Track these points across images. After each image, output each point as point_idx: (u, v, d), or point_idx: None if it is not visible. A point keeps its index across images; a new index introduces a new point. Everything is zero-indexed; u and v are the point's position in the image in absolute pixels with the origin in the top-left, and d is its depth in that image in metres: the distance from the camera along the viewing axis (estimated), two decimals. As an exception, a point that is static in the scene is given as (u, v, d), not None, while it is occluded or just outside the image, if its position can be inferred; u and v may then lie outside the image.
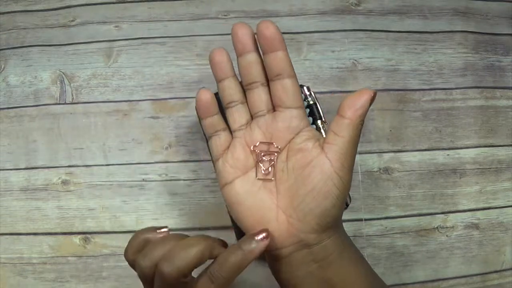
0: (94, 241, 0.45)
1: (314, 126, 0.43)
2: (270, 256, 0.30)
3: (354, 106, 0.29)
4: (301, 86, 0.45)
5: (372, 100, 0.29)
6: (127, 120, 0.47)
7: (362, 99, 0.29)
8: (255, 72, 0.30)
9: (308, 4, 0.51)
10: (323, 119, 0.44)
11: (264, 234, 0.27)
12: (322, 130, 0.43)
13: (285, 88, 0.30)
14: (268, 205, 0.30)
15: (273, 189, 0.30)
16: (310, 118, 0.43)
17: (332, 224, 0.29)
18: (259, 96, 0.31)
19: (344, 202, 0.29)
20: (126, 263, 0.44)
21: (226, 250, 0.27)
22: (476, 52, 0.51)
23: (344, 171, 0.28)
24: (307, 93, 0.44)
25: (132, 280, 0.44)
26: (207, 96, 0.30)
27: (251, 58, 0.30)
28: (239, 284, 0.44)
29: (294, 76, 0.30)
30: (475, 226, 0.47)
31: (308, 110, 0.43)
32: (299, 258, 0.29)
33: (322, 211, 0.28)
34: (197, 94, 0.31)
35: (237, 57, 0.30)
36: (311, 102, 0.44)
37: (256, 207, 0.30)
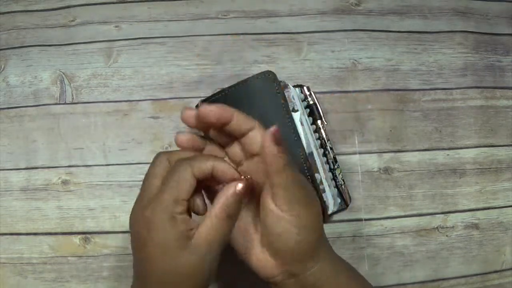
0: (94, 241, 0.45)
1: (314, 126, 0.43)
2: (268, 284, 0.32)
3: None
4: (301, 86, 0.45)
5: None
6: (127, 120, 0.47)
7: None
8: (224, 137, 0.31)
9: (308, 4, 0.51)
10: (323, 119, 0.44)
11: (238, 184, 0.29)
12: (322, 130, 0.43)
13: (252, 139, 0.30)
14: (253, 238, 0.32)
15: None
16: (310, 118, 0.43)
17: (311, 255, 0.30)
18: (235, 149, 0.32)
19: (315, 237, 0.30)
20: (126, 263, 0.45)
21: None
22: (476, 52, 0.51)
23: (293, 210, 0.29)
24: (307, 93, 0.44)
25: (132, 280, 0.44)
26: (182, 139, 0.31)
27: (213, 133, 0.31)
28: (239, 284, 0.44)
29: (254, 126, 0.30)
30: (475, 226, 0.47)
31: (308, 110, 0.43)
32: (289, 286, 0.31)
33: (289, 248, 0.30)
34: (175, 138, 0.31)
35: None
36: (311, 102, 0.44)
37: (241, 240, 0.32)
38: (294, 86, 0.44)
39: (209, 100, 0.42)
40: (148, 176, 0.31)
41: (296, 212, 0.29)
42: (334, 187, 0.43)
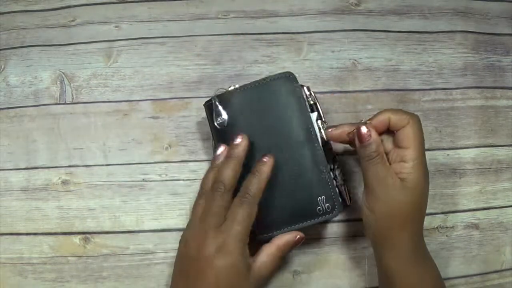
0: (94, 241, 0.45)
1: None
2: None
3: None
4: (301, 86, 0.45)
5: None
6: (127, 120, 0.47)
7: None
8: None
9: (308, 4, 0.51)
10: (323, 119, 0.44)
11: (266, 157, 0.37)
12: (322, 130, 0.43)
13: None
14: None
15: None
16: None
17: (383, 242, 0.38)
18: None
19: (384, 227, 0.37)
20: (126, 263, 0.45)
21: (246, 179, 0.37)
22: (476, 52, 0.51)
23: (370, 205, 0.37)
24: (307, 93, 0.44)
25: (132, 280, 0.44)
26: (333, 134, 0.40)
27: None
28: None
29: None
30: (475, 226, 0.47)
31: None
32: (378, 270, 0.40)
33: (370, 231, 0.39)
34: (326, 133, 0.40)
35: None
36: (312, 102, 0.44)
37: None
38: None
39: (224, 95, 0.42)
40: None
41: (371, 206, 0.37)
42: (335, 187, 0.43)
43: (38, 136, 0.46)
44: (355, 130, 0.37)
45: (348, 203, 0.43)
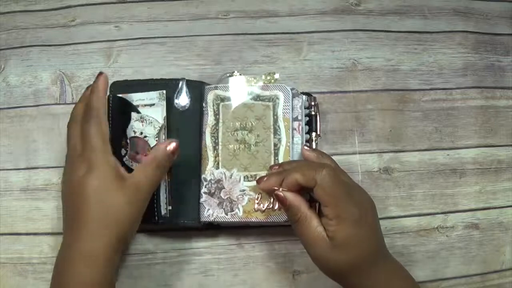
0: (94, 241, 0.45)
1: (308, 136, 0.43)
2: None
3: None
4: (309, 95, 0.44)
5: None
6: (127, 120, 0.47)
7: None
8: None
9: (308, 4, 0.51)
10: (318, 133, 0.44)
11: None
12: (313, 143, 0.43)
13: None
14: None
15: None
16: (307, 127, 0.43)
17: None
18: None
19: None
20: (126, 263, 0.44)
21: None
22: (476, 52, 0.51)
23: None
24: (312, 103, 0.44)
25: (132, 280, 0.44)
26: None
27: None
28: (239, 284, 0.44)
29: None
30: (475, 226, 0.47)
31: (307, 118, 0.43)
32: None
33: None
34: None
35: None
36: (313, 113, 0.44)
37: None
38: (303, 93, 0.43)
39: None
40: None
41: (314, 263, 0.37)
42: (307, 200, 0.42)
43: (38, 136, 0.46)
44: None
45: None
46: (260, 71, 0.48)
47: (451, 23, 0.51)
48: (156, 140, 0.41)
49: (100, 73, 0.38)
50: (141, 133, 0.42)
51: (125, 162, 0.41)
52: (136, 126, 0.42)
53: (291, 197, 0.35)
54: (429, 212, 0.47)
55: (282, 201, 0.35)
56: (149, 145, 0.41)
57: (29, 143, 0.46)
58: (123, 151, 0.41)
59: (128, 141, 0.41)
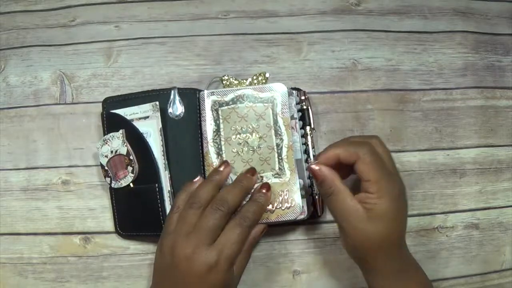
0: (94, 241, 0.45)
1: (303, 131, 0.43)
2: None
3: None
4: (298, 90, 0.45)
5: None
6: (127, 120, 0.47)
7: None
8: None
9: (308, 4, 0.51)
10: (312, 126, 0.44)
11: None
12: (309, 137, 0.43)
13: None
14: None
15: None
16: (301, 122, 0.43)
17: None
18: None
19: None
20: (126, 263, 0.44)
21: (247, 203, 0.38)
22: (476, 52, 0.51)
23: None
24: (302, 97, 0.44)
25: (132, 280, 0.44)
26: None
27: None
28: (239, 284, 0.44)
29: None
30: (475, 226, 0.47)
31: (300, 114, 0.43)
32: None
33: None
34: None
35: None
36: (304, 107, 0.44)
37: None
38: (292, 89, 0.43)
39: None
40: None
41: (343, 239, 0.37)
42: (310, 195, 0.42)
43: (38, 136, 0.46)
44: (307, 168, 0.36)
45: (319, 214, 0.43)
46: (260, 71, 0.48)
47: (451, 23, 0.51)
48: (125, 146, 0.41)
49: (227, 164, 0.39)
50: (111, 152, 0.42)
51: (114, 187, 0.42)
52: (104, 151, 0.42)
53: (326, 170, 0.35)
54: (429, 212, 0.47)
55: (316, 175, 0.35)
56: (124, 155, 0.42)
57: (29, 143, 0.46)
58: (107, 180, 0.42)
59: (106, 168, 0.42)
